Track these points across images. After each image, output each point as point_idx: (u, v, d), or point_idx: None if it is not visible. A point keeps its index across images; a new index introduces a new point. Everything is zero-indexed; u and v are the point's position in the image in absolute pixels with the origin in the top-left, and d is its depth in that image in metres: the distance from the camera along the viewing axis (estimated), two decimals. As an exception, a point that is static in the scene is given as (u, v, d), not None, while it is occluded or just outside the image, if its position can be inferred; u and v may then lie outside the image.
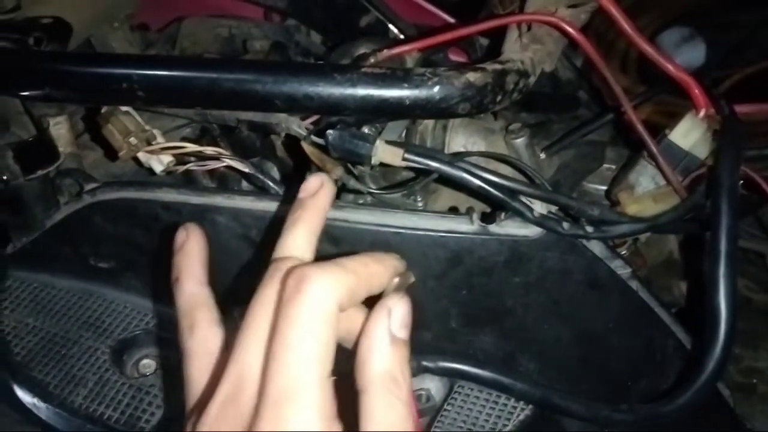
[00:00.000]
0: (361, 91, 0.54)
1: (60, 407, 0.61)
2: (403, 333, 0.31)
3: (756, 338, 0.81)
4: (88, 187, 0.65)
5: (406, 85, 0.54)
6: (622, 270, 0.57)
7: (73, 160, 0.70)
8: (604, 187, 0.68)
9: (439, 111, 0.55)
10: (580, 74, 0.84)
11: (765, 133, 0.76)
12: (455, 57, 0.92)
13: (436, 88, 0.54)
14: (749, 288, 0.84)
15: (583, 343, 0.60)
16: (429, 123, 0.68)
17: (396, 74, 0.55)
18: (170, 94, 0.58)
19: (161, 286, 0.67)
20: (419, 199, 0.68)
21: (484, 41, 0.90)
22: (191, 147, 0.60)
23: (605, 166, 0.69)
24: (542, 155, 0.69)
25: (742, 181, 0.55)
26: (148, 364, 0.64)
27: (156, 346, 0.65)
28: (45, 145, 0.67)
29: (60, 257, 0.69)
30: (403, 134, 0.68)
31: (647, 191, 0.59)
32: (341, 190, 0.64)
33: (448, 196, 0.69)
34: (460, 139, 0.68)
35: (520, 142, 0.65)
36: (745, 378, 0.77)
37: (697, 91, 0.57)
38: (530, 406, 0.60)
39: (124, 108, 0.63)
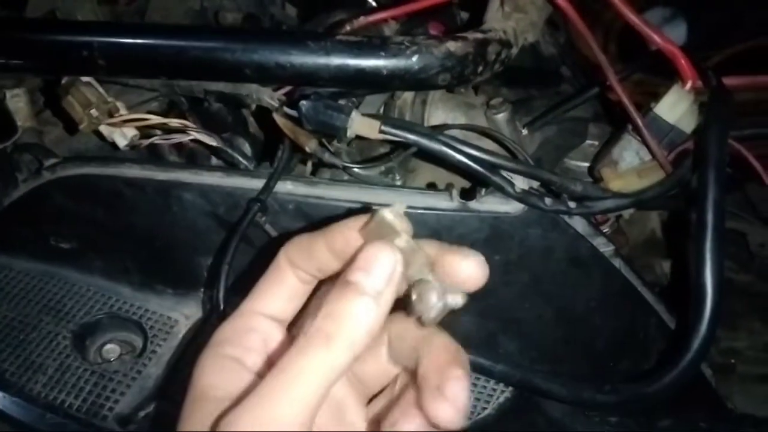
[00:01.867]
0: (336, 60, 0.52)
1: (18, 395, 0.58)
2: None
3: (736, 318, 0.80)
4: (48, 163, 0.62)
5: (383, 53, 0.51)
6: (605, 248, 0.55)
7: (33, 135, 0.66)
8: (587, 164, 0.66)
9: (418, 82, 0.53)
10: (562, 50, 0.82)
11: (755, 112, 0.75)
12: (436, 33, 0.90)
13: (415, 58, 0.52)
14: (730, 268, 0.83)
15: (565, 323, 0.58)
16: (408, 97, 0.65)
17: (373, 42, 0.52)
18: (133, 63, 0.55)
19: (125, 267, 0.64)
20: (397, 178, 0.65)
21: (465, 15, 0.87)
22: (156, 119, 0.57)
23: (588, 142, 0.68)
24: (524, 131, 0.67)
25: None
26: (112, 349, 0.61)
27: (120, 330, 0.62)
28: (1, 118, 0.63)
29: (18, 237, 0.66)
30: (381, 110, 0.66)
31: (631, 166, 0.58)
32: (316, 165, 0.61)
33: (427, 175, 0.67)
34: (440, 114, 0.65)
35: (501, 117, 0.63)
36: (724, 358, 0.77)
37: (683, 61, 0.55)
38: (510, 389, 0.58)
39: (85, 79, 0.60)
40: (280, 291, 0.33)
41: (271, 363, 0.32)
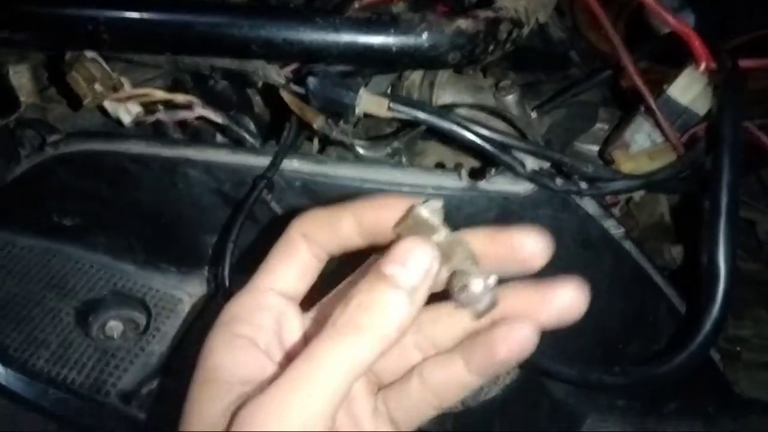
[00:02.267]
0: (345, 37, 0.51)
1: (20, 371, 0.57)
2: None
3: (742, 307, 0.80)
4: (51, 139, 0.61)
5: (392, 30, 0.51)
6: (616, 230, 0.55)
7: (36, 111, 0.65)
8: (597, 147, 0.65)
9: (428, 60, 0.52)
10: (572, 34, 0.81)
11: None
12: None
13: (425, 35, 0.51)
14: (738, 256, 0.82)
15: (574, 306, 0.57)
16: (416, 78, 0.64)
17: (382, 20, 0.51)
18: (138, 38, 0.54)
19: (129, 245, 0.63)
20: (404, 160, 0.65)
21: (473, -2, 0.86)
22: (161, 94, 0.56)
23: (598, 125, 0.67)
24: (533, 114, 0.66)
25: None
26: (115, 327, 0.60)
27: (123, 308, 0.61)
28: (4, 93, 0.63)
29: (22, 214, 0.65)
30: (389, 91, 0.65)
31: (643, 149, 0.57)
32: (324, 144, 0.61)
33: (434, 158, 0.66)
34: (448, 96, 0.64)
35: (510, 98, 0.62)
36: (730, 346, 0.76)
37: (697, 43, 0.54)
38: (517, 370, 0.58)
39: (89, 54, 0.59)
40: (292, 266, 0.32)
41: (284, 344, 0.31)
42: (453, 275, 0.28)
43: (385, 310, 0.26)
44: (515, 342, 0.29)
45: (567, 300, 0.29)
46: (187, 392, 0.29)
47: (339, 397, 0.26)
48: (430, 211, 0.28)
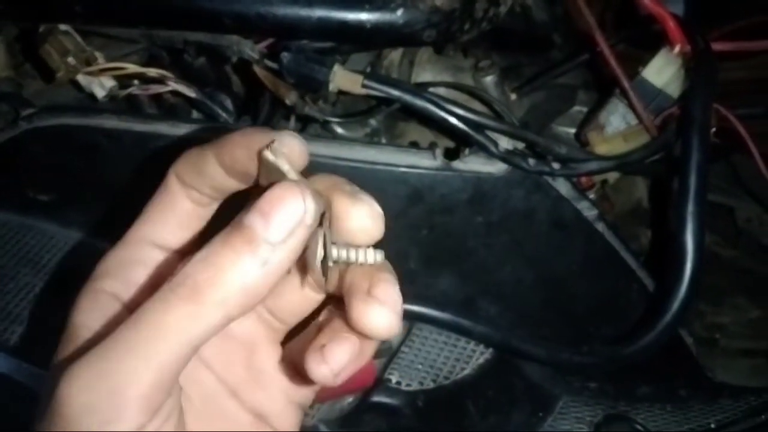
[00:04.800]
0: (318, 12, 0.51)
1: (-2, 347, 0.57)
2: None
3: (720, 294, 0.80)
4: (25, 112, 0.60)
5: (367, 6, 0.50)
6: (589, 211, 0.55)
7: (10, 85, 0.65)
8: (574, 130, 0.65)
9: (403, 37, 0.52)
10: (556, 18, 0.81)
11: (750, 91, 0.74)
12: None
13: (400, 12, 0.50)
14: (717, 243, 0.83)
15: (546, 287, 0.57)
16: (395, 58, 0.64)
17: (357, -5, 0.51)
18: (111, 11, 0.54)
19: (102, 221, 0.63)
20: (383, 141, 0.64)
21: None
22: (133, 68, 0.55)
23: (576, 108, 0.67)
24: (512, 96, 0.66)
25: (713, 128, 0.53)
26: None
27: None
28: (-23, 67, 0.62)
29: (-5, 189, 0.65)
30: (368, 70, 0.64)
31: (618, 131, 0.57)
32: (303, 123, 0.60)
33: (413, 138, 0.66)
34: (428, 75, 0.64)
35: (489, 79, 0.62)
36: (708, 333, 0.77)
37: (671, 24, 0.54)
38: (490, 350, 0.58)
39: (63, 27, 0.58)
40: (170, 215, 0.29)
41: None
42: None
43: (231, 271, 0.22)
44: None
45: (357, 220, 0.25)
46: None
47: (171, 366, 0.22)
48: (276, 155, 0.24)
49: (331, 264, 0.25)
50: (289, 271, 0.24)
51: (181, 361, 0.23)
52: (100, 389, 0.22)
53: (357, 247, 0.26)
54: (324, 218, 0.24)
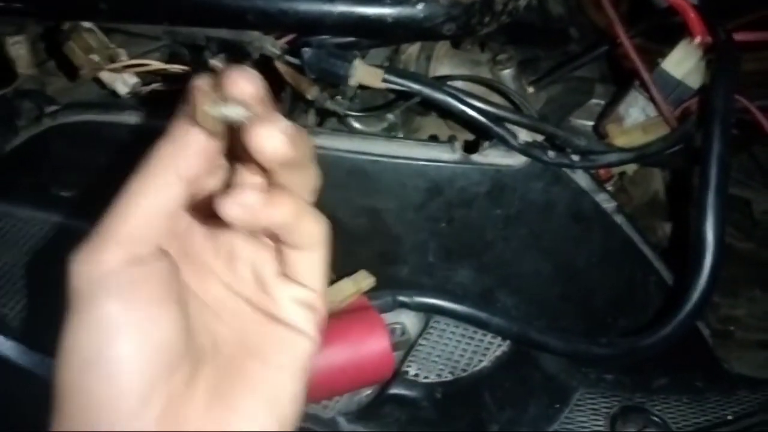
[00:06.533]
0: (340, 7, 0.51)
1: (18, 340, 0.58)
2: None
3: (735, 286, 0.80)
4: (49, 110, 0.61)
5: (388, 1, 0.51)
6: (607, 204, 0.55)
7: (34, 82, 0.66)
8: (593, 123, 0.66)
9: (423, 31, 0.52)
10: (571, 11, 0.81)
11: (760, 84, 0.73)
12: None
13: (420, 6, 0.51)
14: (732, 235, 0.83)
15: (564, 279, 0.58)
16: (413, 52, 0.64)
17: (378, -10, 0.51)
18: (134, 7, 0.54)
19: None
20: (400, 135, 0.65)
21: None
22: (156, 64, 0.56)
23: (594, 101, 0.67)
24: (530, 89, 0.66)
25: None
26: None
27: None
28: (1, 65, 0.63)
29: (19, 186, 0.65)
30: (386, 64, 0.65)
31: (637, 123, 0.57)
32: (322, 117, 0.61)
33: (430, 132, 0.66)
34: (445, 69, 0.65)
35: (507, 72, 0.62)
36: (723, 326, 0.77)
37: (692, 15, 0.54)
38: (507, 343, 0.58)
39: (86, 25, 0.59)
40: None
41: None
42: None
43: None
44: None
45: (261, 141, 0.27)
46: None
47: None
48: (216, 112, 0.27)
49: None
50: None
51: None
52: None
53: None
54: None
